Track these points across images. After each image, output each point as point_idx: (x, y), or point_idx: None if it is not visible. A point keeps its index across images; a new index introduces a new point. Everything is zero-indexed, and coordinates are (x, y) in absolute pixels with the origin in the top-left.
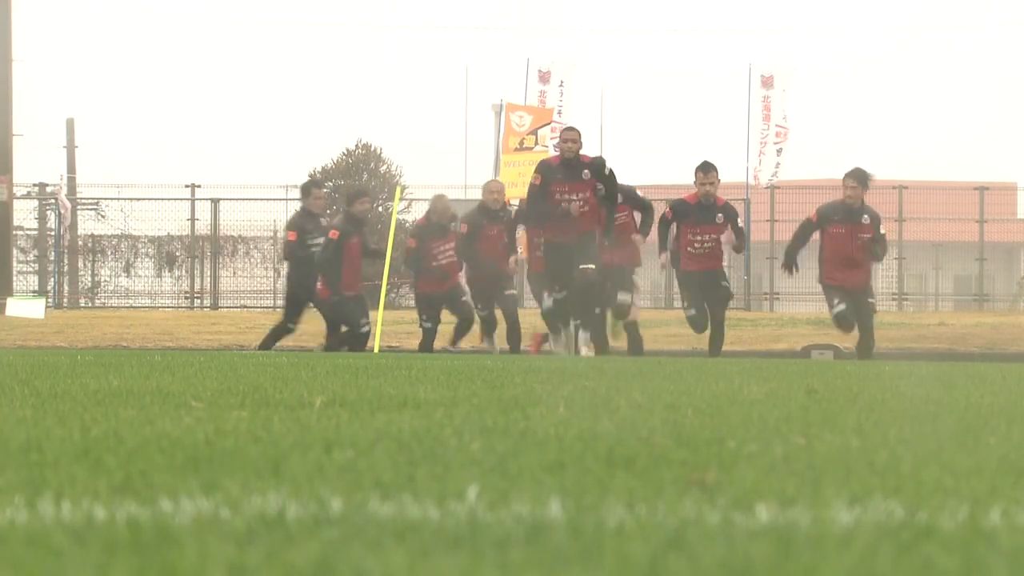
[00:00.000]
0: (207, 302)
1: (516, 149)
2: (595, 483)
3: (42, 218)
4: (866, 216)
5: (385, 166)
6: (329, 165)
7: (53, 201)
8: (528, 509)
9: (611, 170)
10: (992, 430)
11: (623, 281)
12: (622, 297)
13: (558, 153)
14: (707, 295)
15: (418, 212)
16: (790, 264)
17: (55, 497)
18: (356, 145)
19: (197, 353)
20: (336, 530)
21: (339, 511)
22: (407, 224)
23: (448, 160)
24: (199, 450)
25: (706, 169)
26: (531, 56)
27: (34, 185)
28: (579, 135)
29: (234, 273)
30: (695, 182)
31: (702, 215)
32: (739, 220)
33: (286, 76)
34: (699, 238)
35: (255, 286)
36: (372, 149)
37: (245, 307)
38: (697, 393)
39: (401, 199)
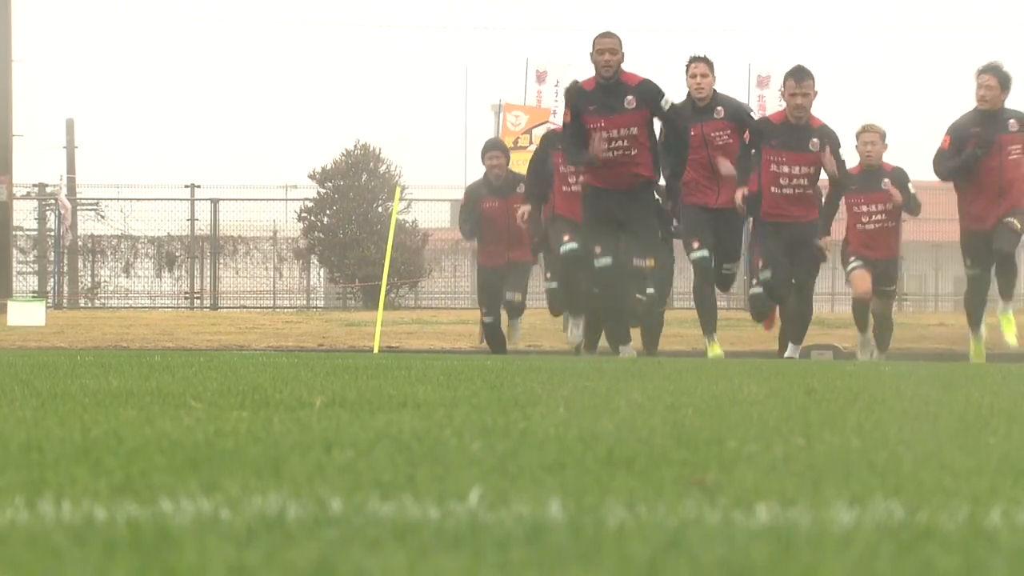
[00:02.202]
0: (207, 302)
1: (512, 148)
2: (595, 483)
3: (42, 219)
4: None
5: (384, 166)
6: (328, 165)
7: (53, 201)
8: (528, 509)
9: (674, 105)
10: (992, 430)
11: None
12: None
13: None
14: (792, 256)
15: (418, 212)
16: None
17: (55, 497)
18: (355, 145)
19: (197, 353)
20: (336, 530)
21: (339, 511)
22: (407, 224)
23: (448, 160)
24: (199, 450)
25: (799, 76)
26: (530, 56)
27: (34, 185)
28: (619, 43)
29: (234, 273)
30: (783, 92)
31: (791, 138)
32: (840, 150)
33: (286, 76)
34: (786, 170)
35: (255, 286)
36: (371, 149)
37: (245, 307)
38: (697, 393)
39: (400, 199)
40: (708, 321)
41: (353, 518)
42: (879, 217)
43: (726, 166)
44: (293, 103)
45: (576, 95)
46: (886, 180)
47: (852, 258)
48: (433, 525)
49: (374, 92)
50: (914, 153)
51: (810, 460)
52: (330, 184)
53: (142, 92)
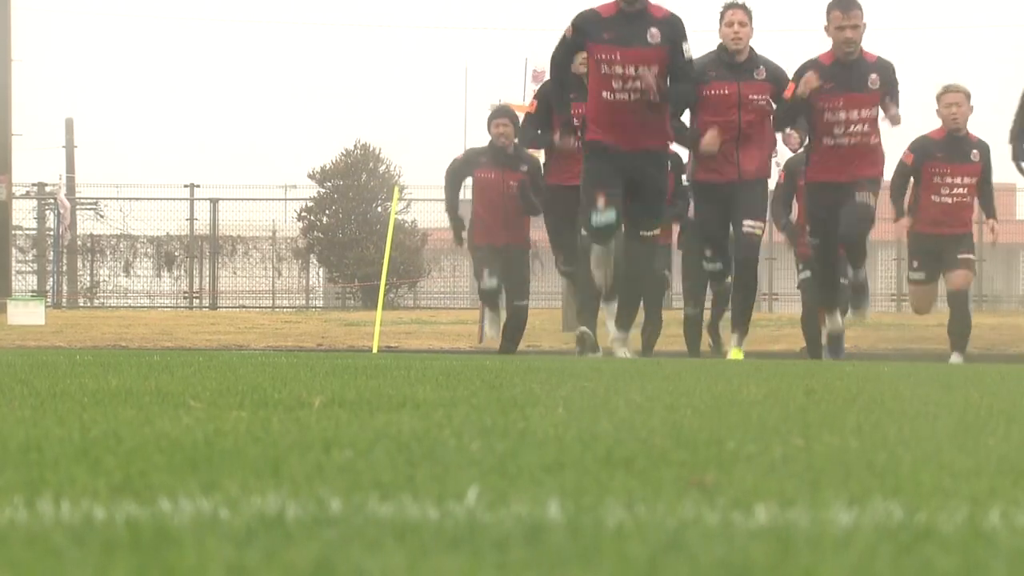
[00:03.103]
0: (206, 302)
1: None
2: (594, 484)
3: (41, 218)
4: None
5: (384, 166)
6: (328, 165)
7: (52, 201)
8: (527, 509)
9: (691, 59)
10: (991, 431)
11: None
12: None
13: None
14: (840, 219)
15: (417, 212)
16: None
17: (54, 497)
18: (355, 145)
19: (196, 353)
20: (335, 530)
21: (338, 511)
22: (406, 224)
23: (447, 160)
24: (198, 450)
25: (846, 6)
26: (529, 56)
27: (33, 185)
28: None
29: (233, 273)
30: (828, 27)
31: (844, 77)
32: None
33: (286, 76)
34: (842, 116)
35: (254, 286)
36: (371, 149)
37: (244, 307)
38: (696, 394)
39: (400, 199)
40: (738, 320)
41: (352, 518)
42: (961, 191)
43: (711, 139)
44: (293, 103)
45: (588, 19)
46: (975, 151)
47: (915, 261)
48: (432, 525)
49: (374, 92)
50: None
51: (809, 461)
52: (329, 184)
53: (142, 92)
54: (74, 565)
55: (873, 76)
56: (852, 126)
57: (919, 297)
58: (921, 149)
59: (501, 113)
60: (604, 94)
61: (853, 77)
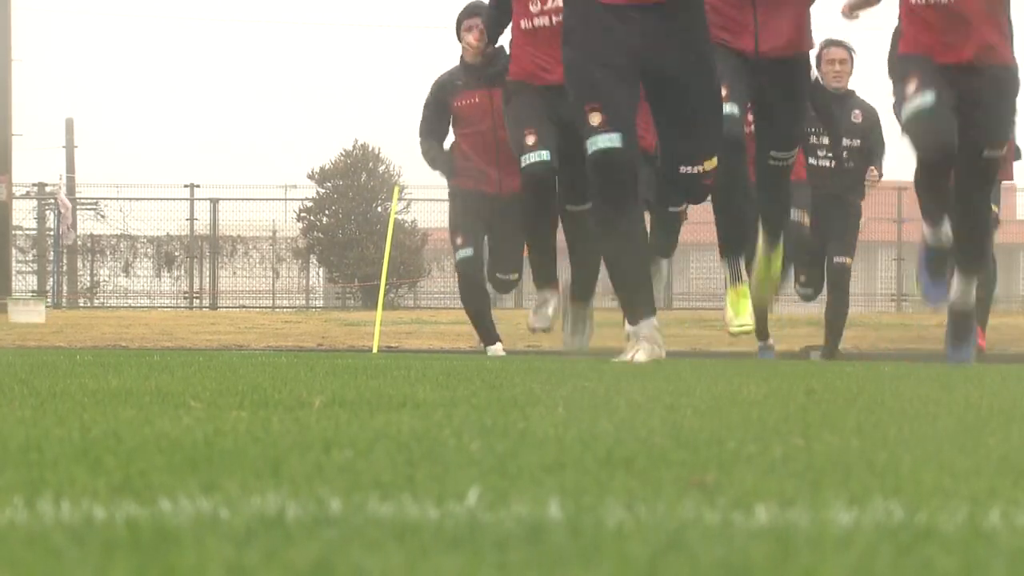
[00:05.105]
0: (206, 302)
1: None
2: (594, 483)
3: (41, 218)
4: None
5: (384, 166)
6: (328, 165)
7: (52, 201)
8: (527, 509)
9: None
10: (991, 431)
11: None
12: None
13: None
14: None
15: (417, 212)
16: None
17: (54, 497)
18: (354, 145)
19: (196, 353)
20: (335, 530)
21: (338, 511)
22: (406, 224)
23: None
24: (198, 450)
25: None
26: None
27: (33, 185)
28: None
29: (233, 273)
30: None
31: None
32: None
33: (285, 76)
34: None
35: (254, 286)
36: (371, 149)
37: (244, 307)
38: (696, 393)
39: (400, 199)
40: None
41: (352, 518)
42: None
43: None
44: (293, 103)
45: None
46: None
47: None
48: (432, 525)
49: (374, 92)
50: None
51: (809, 461)
52: (329, 184)
53: (142, 92)
54: (74, 565)
55: None
56: None
57: None
58: None
59: (472, 11)
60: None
61: None
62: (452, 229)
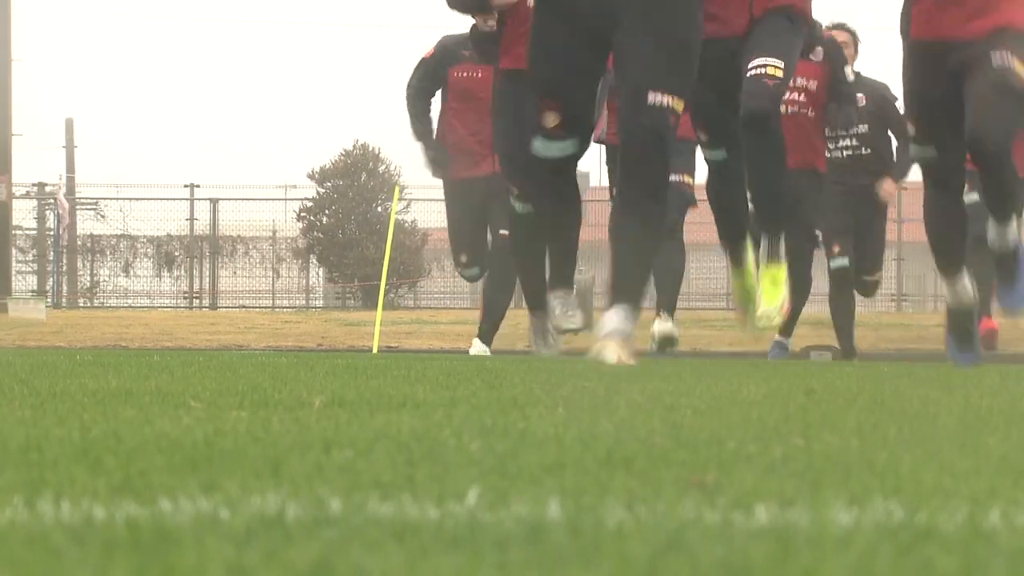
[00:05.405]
0: (206, 302)
1: None
2: (594, 483)
3: (41, 218)
4: None
5: (384, 166)
6: (327, 165)
7: (52, 201)
8: (527, 509)
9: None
10: (991, 431)
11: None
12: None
13: None
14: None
15: (417, 212)
16: None
17: (54, 497)
18: (354, 145)
19: (196, 353)
20: (335, 530)
21: (338, 511)
22: (406, 224)
23: None
24: (198, 450)
25: None
26: None
27: (33, 185)
28: None
29: (233, 273)
30: None
31: None
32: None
33: (285, 76)
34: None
35: (254, 286)
36: (371, 149)
37: (244, 307)
38: (696, 394)
39: (400, 199)
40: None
41: (352, 518)
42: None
43: None
44: (293, 103)
45: None
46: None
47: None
48: (432, 525)
49: (374, 92)
50: None
51: (809, 461)
52: (329, 184)
53: (142, 92)
54: (74, 565)
55: None
56: None
57: None
58: None
59: None
60: None
61: None
62: (452, 242)
